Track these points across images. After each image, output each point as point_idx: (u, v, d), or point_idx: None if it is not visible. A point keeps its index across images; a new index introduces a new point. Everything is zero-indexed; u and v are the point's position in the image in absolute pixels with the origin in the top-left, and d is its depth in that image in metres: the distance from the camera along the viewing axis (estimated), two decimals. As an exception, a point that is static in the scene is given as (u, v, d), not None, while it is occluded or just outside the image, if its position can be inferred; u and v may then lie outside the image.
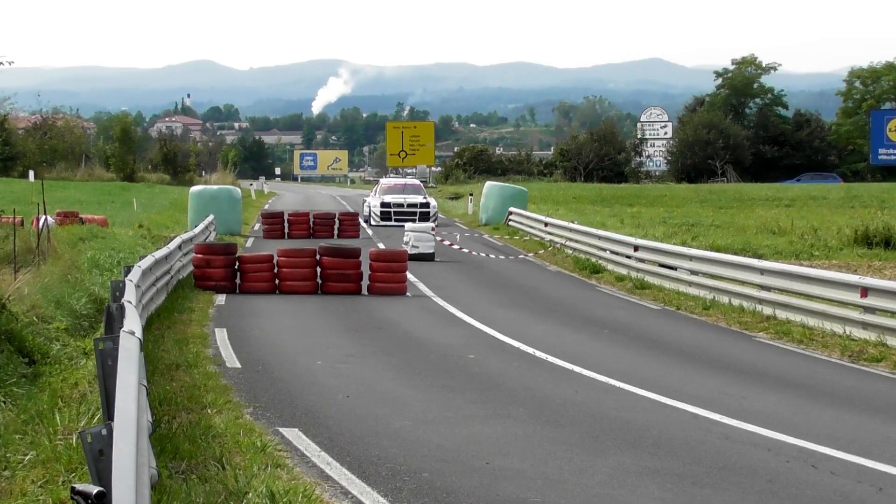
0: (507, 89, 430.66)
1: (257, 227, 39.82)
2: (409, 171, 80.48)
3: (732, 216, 44.29)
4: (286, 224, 36.33)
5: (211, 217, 33.47)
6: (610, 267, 26.38)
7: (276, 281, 21.82)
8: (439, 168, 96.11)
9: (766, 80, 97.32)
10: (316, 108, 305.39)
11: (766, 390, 13.02)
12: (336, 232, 36.44)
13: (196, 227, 29.57)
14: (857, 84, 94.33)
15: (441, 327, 17.80)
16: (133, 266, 15.31)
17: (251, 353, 14.87)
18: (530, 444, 10.03)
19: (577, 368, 13.98)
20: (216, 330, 16.77)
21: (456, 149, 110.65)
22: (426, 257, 28.39)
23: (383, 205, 41.35)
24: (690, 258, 22.46)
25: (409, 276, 23.15)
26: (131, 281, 13.30)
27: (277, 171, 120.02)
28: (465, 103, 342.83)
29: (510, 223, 39.61)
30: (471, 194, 52.47)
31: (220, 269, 21.69)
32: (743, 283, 20.05)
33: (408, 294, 21.92)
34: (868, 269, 25.73)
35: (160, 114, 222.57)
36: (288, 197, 69.74)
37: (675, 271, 22.97)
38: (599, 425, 10.87)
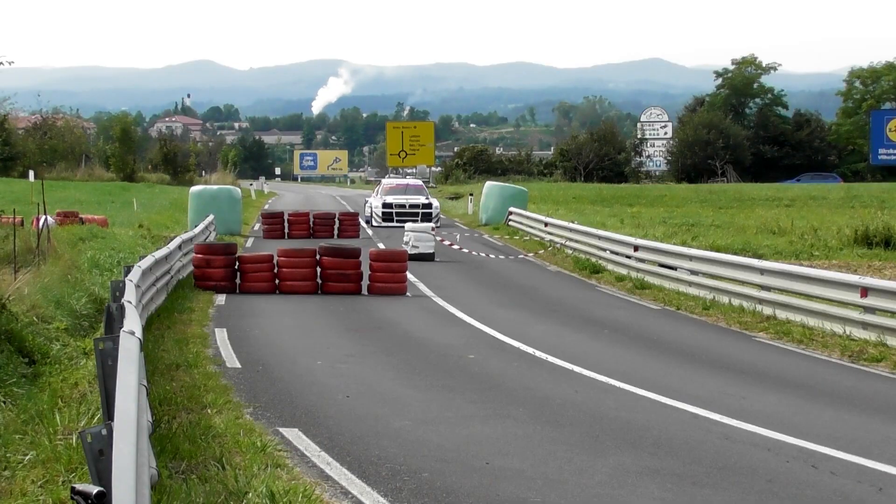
0: (507, 89, 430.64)
1: (257, 227, 39.82)
2: (409, 171, 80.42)
3: (732, 216, 44.29)
4: (286, 224, 36.34)
5: (211, 217, 33.47)
6: (610, 267, 26.38)
7: (276, 281, 21.82)
8: (439, 168, 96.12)
9: (766, 80, 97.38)
10: (316, 108, 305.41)
11: (766, 390, 13.02)
12: (336, 232, 36.45)
13: (196, 227, 29.57)
14: (857, 84, 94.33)
15: (441, 327, 17.80)
16: (133, 266, 15.31)
17: (251, 353, 14.87)
18: (530, 444, 10.03)
19: (577, 368, 13.98)
20: (216, 330, 16.77)
21: (456, 149, 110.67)
22: (426, 257, 28.40)
23: (385, 205, 40.98)
24: (690, 258, 22.46)
25: (409, 276, 23.15)
26: (131, 281, 13.30)
27: (277, 171, 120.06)
28: (465, 103, 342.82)
29: (510, 223, 39.62)
30: (471, 194, 52.48)
31: (220, 269, 21.69)
32: (743, 283, 20.05)
33: (408, 294, 21.92)
34: (868, 269, 25.73)
35: (160, 114, 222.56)
36: (288, 197, 69.75)
37: (675, 271, 22.97)
38: (599, 425, 10.87)
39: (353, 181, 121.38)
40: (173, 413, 10.84)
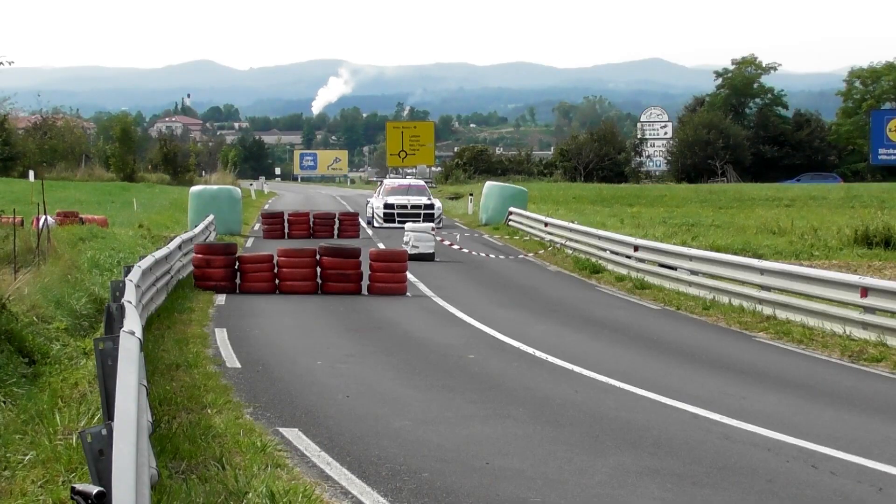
0: (507, 89, 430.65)
1: (257, 227, 39.83)
2: (409, 171, 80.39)
3: (732, 216, 44.29)
4: (286, 224, 36.34)
5: (211, 217, 33.47)
6: (610, 267, 26.38)
7: (276, 281, 21.82)
8: (439, 168, 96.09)
9: (766, 80, 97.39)
10: (316, 108, 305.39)
11: (766, 390, 13.02)
12: (336, 232, 36.44)
13: (196, 227, 29.58)
14: (857, 84, 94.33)
15: (441, 327, 17.80)
16: (133, 266, 15.31)
17: (251, 353, 14.87)
18: (530, 444, 10.03)
19: (577, 368, 13.98)
20: (216, 330, 16.77)
21: (456, 149, 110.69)
22: (426, 257, 28.39)
23: (387, 206, 40.53)
24: (690, 258, 22.46)
25: (409, 276, 23.15)
26: (131, 281, 13.30)
27: (277, 171, 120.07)
28: (465, 103, 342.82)
29: (510, 223, 39.62)
30: (471, 194, 52.48)
31: (220, 269, 21.69)
32: (743, 283, 20.05)
33: (408, 294, 21.92)
34: (868, 269, 25.73)
35: (160, 114, 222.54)
36: (288, 197, 69.77)
37: (675, 271, 22.97)
38: (599, 425, 10.87)
39: (353, 181, 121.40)
40: (173, 413, 10.84)
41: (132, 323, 9.39)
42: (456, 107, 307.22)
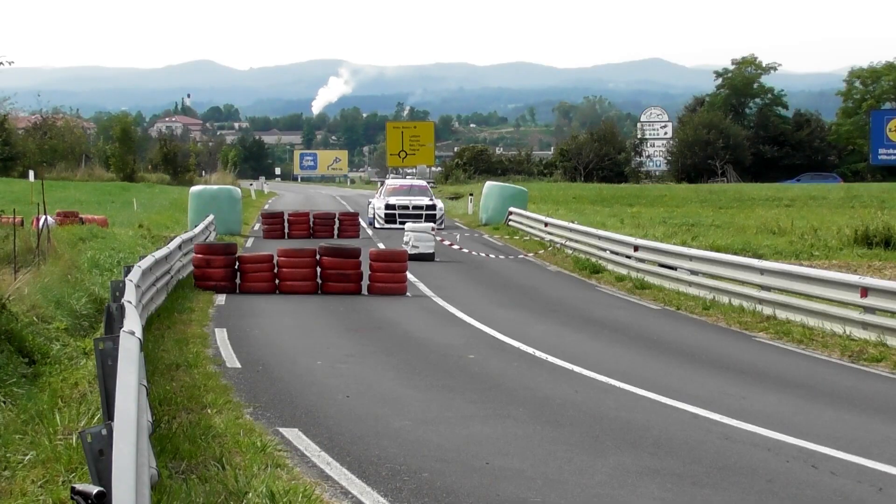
0: (507, 89, 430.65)
1: (257, 227, 39.82)
2: (409, 171, 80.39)
3: (732, 216, 44.29)
4: (286, 224, 36.34)
5: (211, 217, 33.47)
6: (610, 267, 26.38)
7: (276, 281, 21.82)
8: (439, 168, 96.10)
9: (766, 80, 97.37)
10: (316, 107, 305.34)
11: (766, 390, 13.02)
12: (336, 232, 36.44)
13: (196, 227, 29.57)
14: (857, 84, 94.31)
15: (441, 327, 17.80)
16: (133, 266, 15.31)
17: (251, 353, 14.87)
18: (530, 444, 10.03)
19: (577, 368, 13.98)
20: (216, 330, 16.77)
21: (456, 149, 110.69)
22: (426, 257, 28.39)
23: (388, 206, 40.06)
24: (690, 258, 22.46)
25: (409, 276, 23.15)
26: (131, 281, 13.30)
27: (277, 171, 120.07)
28: (465, 103, 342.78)
29: (510, 223, 39.61)
30: (471, 194, 52.47)
31: (220, 269, 21.69)
32: (743, 283, 20.05)
33: (408, 294, 21.92)
34: (868, 269, 25.73)
35: (160, 114, 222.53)
36: (288, 197, 69.77)
37: (675, 271, 22.97)
38: (599, 425, 10.87)
39: (353, 181, 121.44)
40: (173, 413, 10.84)
41: (132, 323, 9.39)
42: (456, 107, 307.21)
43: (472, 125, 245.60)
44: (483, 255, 30.48)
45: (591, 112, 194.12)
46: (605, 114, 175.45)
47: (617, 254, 26.38)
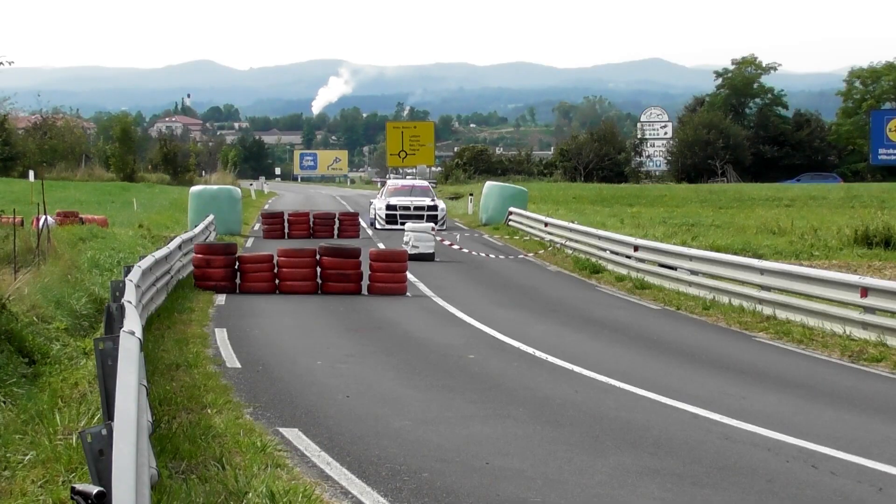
0: (507, 89, 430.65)
1: (257, 227, 39.82)
2: (409, 171, 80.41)
3: (732, 216, 44.29)
4: (286, 224, 36.34)
5: (211, 217, 33.47)
6: (610, 267, 26.38)
7: (276, 281, 21.82)
8: (439, 168, 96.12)
9: (766, 80, 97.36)
10: (316, 107, 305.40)
11: (766, 390, 13.02)
12: (336, 232, 36.43)
13: (196, 227, 29.57)
14: (857, 84, 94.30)
15: (441, 327, 17.80)
16: (133, 266, 15.31)
17: (251, 353, 14.87)
18: (530, 444, 10.03)
19: (577, 368, 13.98)
20: (216, 330, 16.77)
21: (456, 149, 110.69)
22: (426, 257, 28.39)
23: (389, 207, 39.70)
24: (690, 258, 22.46)
25: (409, 276, 23.15)
26: (131, 281, 13.30)
27: (277, 171, 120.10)
28: (465, 103, 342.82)
29: (510, 223, 39.61)
30: (471, 194, 52.47)
31: (220, 269, 21.69)
32: (743, 283, 20.05)
33: (408, 294, 21.92)
34: (868, 269, 25.73)
35: (160, 114, 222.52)
36: (288, 197, 69.77)
37: (675, 271, 22.97)
38: (599, 425, 10.87)
39: (353, 181, 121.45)
40: (173, 413, 10.84)
41: (132, 323, 9.39)
42: (456, 107, 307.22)
43: (472, 125, 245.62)
44: (483, 255, 30.48)
45: (591, 112, 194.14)
46: (605, 114, 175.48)
47: (617, 254, 26.38)
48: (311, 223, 36.52)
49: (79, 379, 12.40)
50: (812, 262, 27.03)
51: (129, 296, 11.95)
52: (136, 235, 30.24)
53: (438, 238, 31.03)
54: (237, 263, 21.88)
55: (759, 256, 26.55)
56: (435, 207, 39.68)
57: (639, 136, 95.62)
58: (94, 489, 5.21)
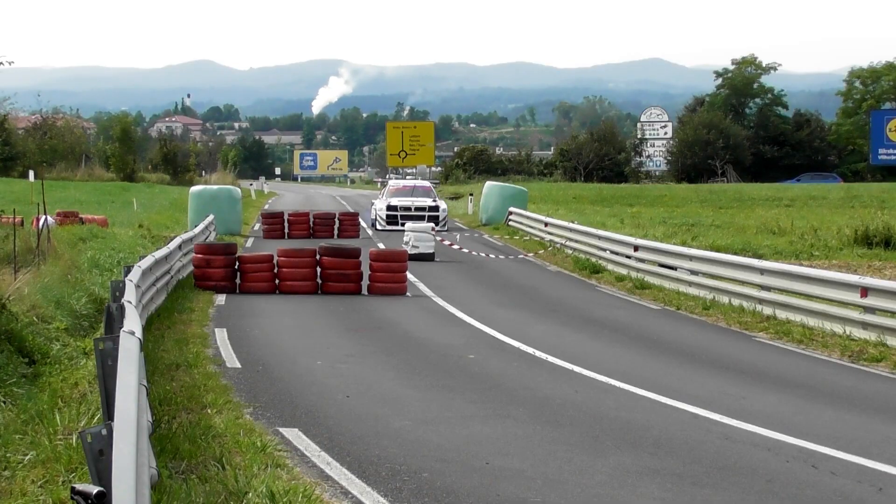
0: (507, 89, 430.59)
1: (257, 227, 39.82)
2: (409, 171, 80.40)
3: (732, 216, 44.29)
4: (286, 224, 36.33)
5: (211, 217, 33.47)
6: (610, 267, 26.38)
7: (276, 281, 21.82)
8: (439, 168, 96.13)
9: (766, 80, 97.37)
10: (316, 108, 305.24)
11: (766, 390, 13.02)
12: (336, 232, 36.43)
13: (196, 227, 29.57)
14: (857, 84, 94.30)
15: (441, 327, 17.80)
16: (133, 266, 15.31)
17: (251, 353, 14.87)
18: (530, 444, 10.03)
19: (577, 368, 13.98)
20: (216, 330, 16.77)
21: (456, 149, 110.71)
22: (426, 257, 28.39)
23: (389, 208, 39.40)
24: (690, 258, 22.46)
25: (409, 276, 23.15)
26: (131, 281, 13.30)
27: (277, 171, 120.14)
28: (465, 103, 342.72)
29: (510, 223, 39.61)
30: (471, 194, 52.48)
31: (220, 269, 21.69)
32: (743, 283, 20.05)
33: (408, 294, 21.92)
34: (868, 269, 25.73)
35: (160, 114, 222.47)
36: (288, 197, 69.78)
37: (675, 271, 22.97)
38: (599, 425, 10.87)
39: (353, 181, 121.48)
40: (173, 413, 10.84)
41: (132, 323, 9.39)
42: (456, 107, 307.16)
43: (472, 125, 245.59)
44: (483, 255, 30.48)
45: (591, 112, 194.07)
46: (605, 114, 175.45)
47: (617, 254, 26.38)
48: (311, 223, 36.52)
49: (79, 379, 12.40)
50: (812, 262, 27.03)
51: (129, 296, 11.95)
52: (136, 235, 30.24)
53: (438, 238, 31.03)
54: (237, 263, 21.88)
55: (759, 256, 26.55)
56: (436, 208, 39.41)
57: (639, 136, 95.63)
58: (94, 489, 5.21)
